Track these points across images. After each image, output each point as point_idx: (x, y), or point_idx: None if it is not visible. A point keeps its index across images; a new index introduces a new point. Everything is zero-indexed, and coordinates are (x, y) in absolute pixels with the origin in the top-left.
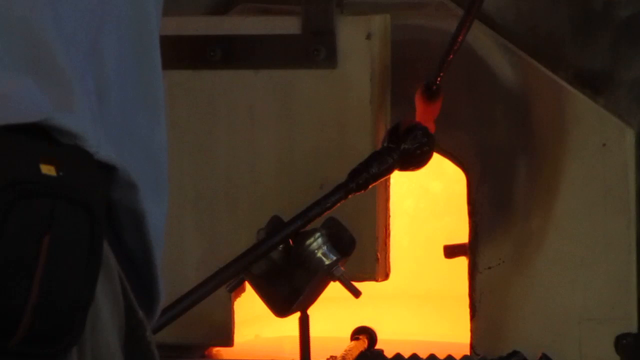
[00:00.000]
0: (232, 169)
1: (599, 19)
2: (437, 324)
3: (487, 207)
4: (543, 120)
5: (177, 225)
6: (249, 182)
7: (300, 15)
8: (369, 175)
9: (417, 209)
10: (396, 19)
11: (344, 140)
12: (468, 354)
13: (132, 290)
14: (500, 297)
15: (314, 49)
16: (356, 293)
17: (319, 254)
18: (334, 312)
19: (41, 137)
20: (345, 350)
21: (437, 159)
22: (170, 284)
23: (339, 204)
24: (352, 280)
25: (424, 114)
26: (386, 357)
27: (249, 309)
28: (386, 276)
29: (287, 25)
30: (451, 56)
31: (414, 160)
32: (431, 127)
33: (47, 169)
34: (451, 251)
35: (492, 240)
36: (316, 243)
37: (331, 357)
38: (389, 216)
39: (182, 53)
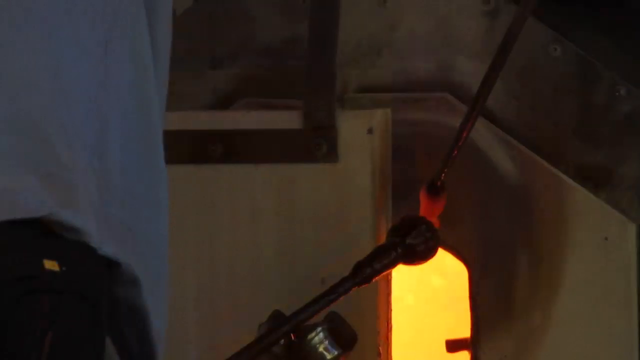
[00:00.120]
0: (233, 264)
1: (600, 113)
2: None
3: (489, 301)
4: (544, 215)
5: (178, 320)
6: (250, 277)
7: (301, 110)
8: (373, 269)
9: (418, 303)
10: (397, 113)
11: (345, 235)
12: None
13: None
14: None
15: (315, 143)
16: None
17: (321, 349)
18: None
19: (45, 232)
20: None
21: (438, 253)
22: None
23: (341, 298)
24: None
25: (428, 209)
26: None
27: None
28: None
29: (289, 120)
30: (455, 152)
31: (419, 255)
32: (435, 223)
33: (51, 265)
34: (453, 346)
35: (493, 335)
36: (318, 338)
37: None
38: (391, 310)
39: (183, 148)
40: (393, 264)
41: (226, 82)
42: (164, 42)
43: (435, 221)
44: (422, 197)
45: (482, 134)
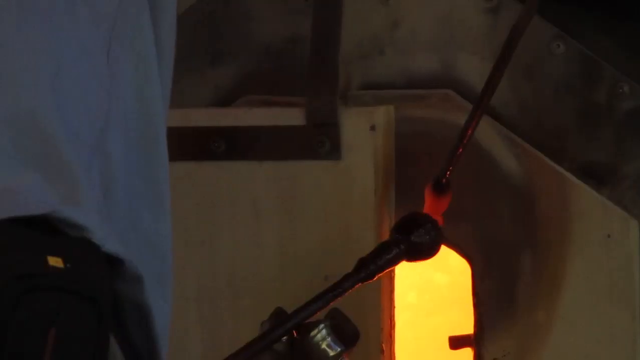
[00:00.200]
0: (235, 261)
1: (603, 111)
2: None
3: (492, 299)
4: (547, 212)
5: (180, 319)
6: (253, 274)
7: (303, 107)
8: (377, 265)
9: (421, 301)
10: (400, 110)
11: (348, 232)
12: None
13: None
14: None
15: (318, 140)
16: None
17: (324, 346)
18: None
19: (48, 230)
20: None
21: (441, 251)
22: None
23: (344, 295)
24: None
25: (433, 207)
26: None
27: None
28: None
29: (291, 117)
30: (460, 150)
31: (422, 252)
32: (439, 220)
33: (54, 261)
34: (456, 342)
35: (497, 332)
36: (320, 335)
37: None
38: (394, 307)
39: (186, 145)
40: (396, 261)
41: (228, 80)
42: (168, 41)
43: (439, 219)
44: (427, 194)
45: (485, 131)
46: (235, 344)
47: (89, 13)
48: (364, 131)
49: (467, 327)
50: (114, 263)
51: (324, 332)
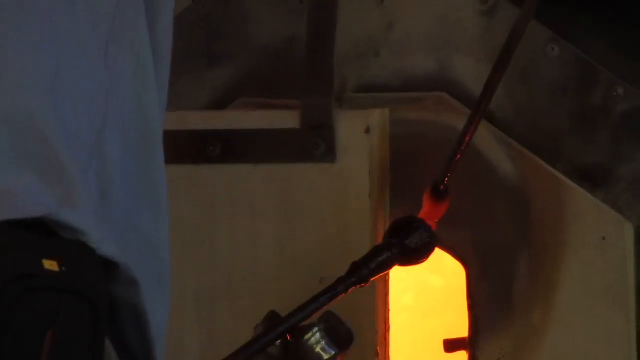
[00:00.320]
0: (232, 263)
1: (598, 113)
2: None
3: (487, 301)
4: (543, 214)
5: (177, 320)
6: (250, 276)
7: (299, 110)
8: (370, 269)
9: (416, 303)
10: (395, 113)
11: (343, 234)
12: None
13: None
14: None
15: (313, 143)
16: None
17: (318, 349)
18: None
19: (44, 232)
20: None
21: (436, 253)
22: None
23: (338, 298)
24: None
25: (430, 213)
26: None
27: None
28: None
29: (286, 119)
30: (459, 156)
31: (415, 256)
32: (433, 226)
33: (50, 264)
34: (451, 345)
35: (492, 334)
36: (314, 338)
37: None
38: (389, 310)
39: (182, 148)
40: (389, 265)
41: (224, 82)
42: (165, 43)
43: (433, 224)
44: (426, 199)
45: (481, 134)
46: (232, 345)
47: (88, 14)
48: (359, 133)
49: (462, 329)
50: (110, 266)
51: (318, 335)
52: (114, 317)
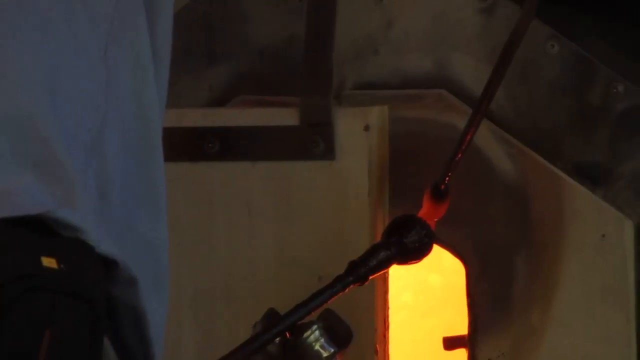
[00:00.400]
0: (229, 261)
1: (597, 111)
2: None
3: (487, 299)
4: (542, 212)
5: (174, 319)
6: (247, 275)
7: (298, 107)
8: (368, 268)
9: (416, 301)
10: (394, 110)
11: (342, 232)
12: None
13: None
14: None
15: (312, 141)
16: None
17: (317, 347)
18: None
19: (43, 230)
20: None
21: (435, 252)
22: None
23: (336, 297)
24: None
25: (430, 212)
26: None
27: None
28: None
29: (285, 117)
30: (459, 155)
31: (413, 255)
32: (432, 225)
33: (49, 262)
34: (451, 343)
35: (491, 333)
36: (313, 336)
37: None
38: (388, 308)
39: (180, 145)
40: (388, 264)
41: (223, 80)
42: (165, 43)
43: (432, 223)
44: (426, 199)
45: (480, 132)
46: (230, 344)
47: (87, 14)
48: (358, 131)
49: (461, 327)
50: (108, 265)
51: (317, 333)
52: (112, 316)
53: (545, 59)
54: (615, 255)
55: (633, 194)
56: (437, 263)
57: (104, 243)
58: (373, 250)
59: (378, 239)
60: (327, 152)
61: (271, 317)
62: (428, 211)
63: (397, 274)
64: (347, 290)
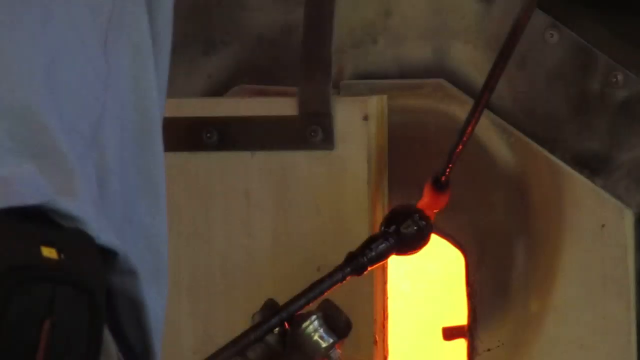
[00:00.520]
0: (228, 252)
1: (596, 100)
2: None
3: (486, 289)
4: (541, 202)
5: (172, 310)
6: (246, 265)
7: (296, 97)
8: (366, 259)
9: (415, 291)
10: (393, 100)
11: (341, 222)
12: None
13: None
14: None
15: (311, 130)
16: None
17: (316, 337)
18: None
19: (43, 220)
20: None
21: (434, 241)
22: None
23: (335, 287)
24: None
25: (431, 204)
26: None
27: None
28: (384, 358)
29: (284, 106)
30: (460, 147)
31: (411, 245)
32: (431, 216)
33: (49, 252)
34: (450, 333)
35: (490, 322)
36: (312, 326)
37: None
38: (387, 298)
39: (178, 135)
40: (385, 255)
41: (221, 69)
42: (165, 34)
43: (432, 214)
44: (427, 190)
45: (480, 121)
46: (228, 335)
47: (86, 4)
48: (357, 121)
49: (460, 316)
50: (108, 256)
51: (316, 323)
52: (111, 307)
53: (545, 48)
54: (615, 244)
55: (633, 183)
56: (436, 252)
57: (103, 233)
58: (371, 241)
59: (377, 228)
60: (326, 141)
61: (270, 308)
62: (428, 202)
63: (395, 263)
64: (345, 280)
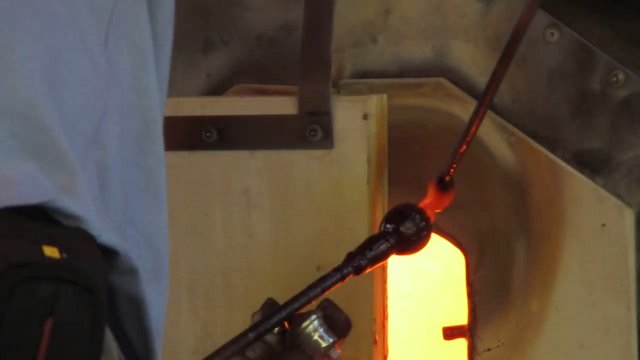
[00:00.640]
0: (228, 251)
1: (596, 99)
2: None
3: (486, 288)
4: (541, 201)
5: (172, 309)
6: (245, 265)
7: (296, 96)
8: (366, 259)
9: (415, 291)
10: (393, 99)
11: (341, 221)
12: None
13: None
14: None
15: (311, 129)
16: None
17: (316, 337)
18: None
19: (44, 219)
20: None
21: (434, 240)
22: None
23: (335, 287)
24: None
25: (434, 203)
26: None
27: None
28: (384, 358)
29: (283, 105)
30: (464, 147)
31: (412, 245)
32: (433, 216)
33: (51, 251)
34: (450, 333)
35: (491, 322)
36: (312, 326)
37: None
38: (387, 297)
39: (178, 134)
40: (385, 255)
41: (220, 68)
42: (166, 33)
43: (433, 214)
44: (431, 190)
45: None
46: (228, 334)
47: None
48: (357, 120)
49: (460, 316)
50: (109, 255)
51: (315, 323)
52: (112, 306)
53: (545, 47)
54: (616, 244)
55: (633, 182)
56: (436, 252)
57: (105, 233)
58: (371, 241)
59: (376, 227)
60: (326, 140)
61: (270, 307)
62: (432, 202)
63: (395, 262)
64: (345, 280)
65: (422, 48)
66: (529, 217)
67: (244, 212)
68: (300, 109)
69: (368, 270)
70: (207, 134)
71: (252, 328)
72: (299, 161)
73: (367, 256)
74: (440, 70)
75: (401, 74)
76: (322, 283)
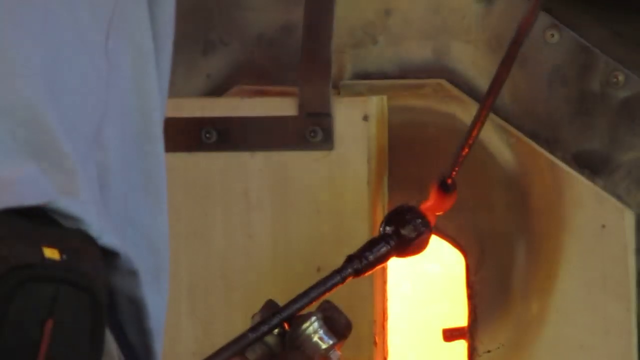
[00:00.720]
0: (228, 253)
1: (596, 100)
2: None
3: (486, 290)
4: (541, 202)
5: (172, 310)
6: (245, 266)
7: (296, 97)
8: (367, 261)
9: (415, 292)
10: (393, 100)
11: (341, 222)
12: None
13: None
14: None
15: (311, 130)
16: None
17: (316, 339)
18: None
19: (44, 221)
20: None
21: (434, 242)
22: None
23: (335, 289)
24: None
25: (436, 206)
26: None
27: None
28: (384, 359)
29: (283, 106)
30: (467, 150)
31: (412, 248)
32: (434, 218)
33: (51, 253)
34: (450, 334)
35: (491, 324)
36: (312, 327)
37: None
38: (387, 299)
39: (177, 135)
40: (385, 257)
41: (220, 69)
42: (166, 34)
43: (434, 216)
44: (433, 192)
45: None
46: (228, 335)
47: (88, 3)
48: (357, 121)
49: (460, 318)
50: (109, 256)
51: (315, 324)
52: (113, 307)
53: (545, 48)
54: (616, 245)
55: (633, 183)
56: (436, 253)
57: (105, 234)
58: (371, 244)
59: (377, 229)
60: (326, 142)
61: (270, 308)
62: (434, 204)
63: (395, 264)
64: (345, 282)
65: (423, 49)
66: (529, 218)
67: (244, 213)
68: (301, 110)
69: (368, 273)
70: (207, 134)
71: (252, 329)
72: (299, 162)
73: (367, 259)
74: (440, 71)
75: (401, 75)
76: (322, 284)
